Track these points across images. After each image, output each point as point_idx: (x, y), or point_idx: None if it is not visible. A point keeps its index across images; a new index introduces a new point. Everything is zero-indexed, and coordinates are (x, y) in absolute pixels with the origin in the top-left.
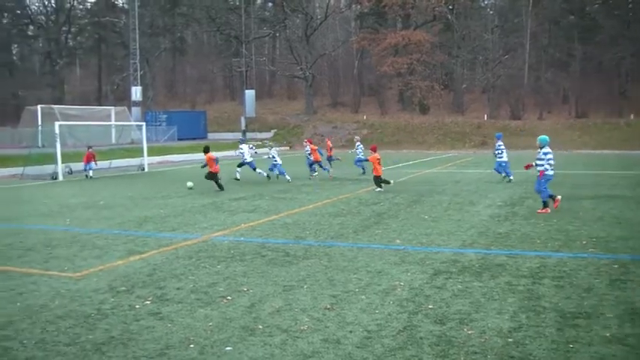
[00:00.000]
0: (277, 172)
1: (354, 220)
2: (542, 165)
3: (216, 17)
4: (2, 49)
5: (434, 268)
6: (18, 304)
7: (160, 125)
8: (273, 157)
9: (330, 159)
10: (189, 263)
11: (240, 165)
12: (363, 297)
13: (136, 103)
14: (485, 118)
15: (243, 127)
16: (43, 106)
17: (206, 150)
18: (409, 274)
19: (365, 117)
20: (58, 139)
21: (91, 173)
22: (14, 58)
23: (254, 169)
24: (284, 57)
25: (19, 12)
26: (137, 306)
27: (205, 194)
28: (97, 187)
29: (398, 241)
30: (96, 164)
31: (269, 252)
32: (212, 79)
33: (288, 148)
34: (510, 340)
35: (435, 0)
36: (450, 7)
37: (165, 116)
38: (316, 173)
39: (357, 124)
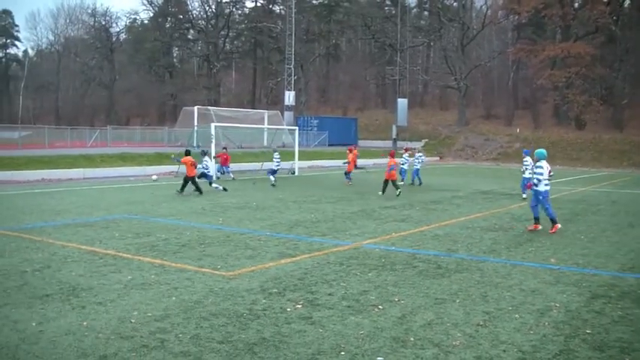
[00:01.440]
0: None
1: (506, 235)
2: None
3: (371, 25)
4: (164, 52)
5: (591, 291)
6: (173, 298)
7: (311, 130)
8: (278, 160)
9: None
10: (340, 269)
11: (200, 176)
12: (517, 316)
13: (288, 108)
14: None
15: (394, 135)
16: (199, 107)
17: (187, 153)
18: (565, 295)
19: (518, 130)
20: (214, 140)
21: (232, 175)
22: (174, 60)
23: (210, 184)
24: (438, 66)
25: (181, 17)
26: (288, 309)
27: (354, 201)
28: (248, 188)
29: (553, 260)
30: (227, 166)
31: (420, 263)
32: (364, 86)
33: (438, 158)
34: None
35: (599, 11)
36: (615, 17)
37: (316, 121)
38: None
39: (509, 137)
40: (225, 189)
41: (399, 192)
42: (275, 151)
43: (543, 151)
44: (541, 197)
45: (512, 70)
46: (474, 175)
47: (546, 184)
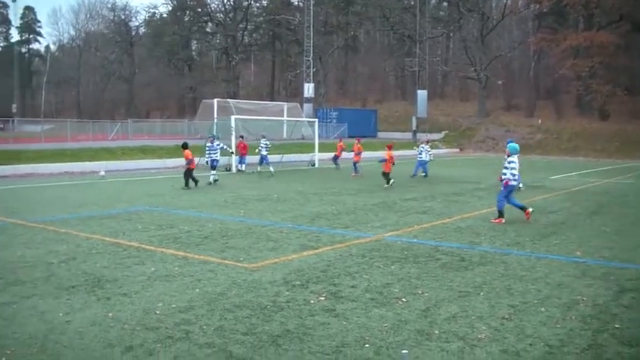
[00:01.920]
0: (265, 163)
1: (530, 228)
2: (506, 174)
3: (390, 16)
4: (183, 45)
5: (619, 285)
6: (197, 290)
7: (330, 122)
8: (265, 147)
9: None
10: (363, 262)
11: (212, 167)
12: (543, 309)
13: (307, 100)
14: None
15: (414, 127)
16: (219, 99)
17: (185, 146)
18: (592, 289)
19: (540, 121)
20: (234, 132)
21: (242, 167)
22: (193, 53)
23: (212, 168)
24: (457, 57)
25: (199, 10)
26: (312, 301)
27: (375, 193)
28: (269, 181)
29: (578, 253)
30: (244, 156)
31: (443, 255)
32: (383, 77)
33: (458, 150)
34: None
35: None
36: None
37: (336, 113)
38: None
39: (530, 129)
40: (216, 180)
41: (392, 183)
42: (263, 138)
43: (517, 145)
44: (503, 189)
45: (533, 60)
46: (496, 167)
47: (515, 179)
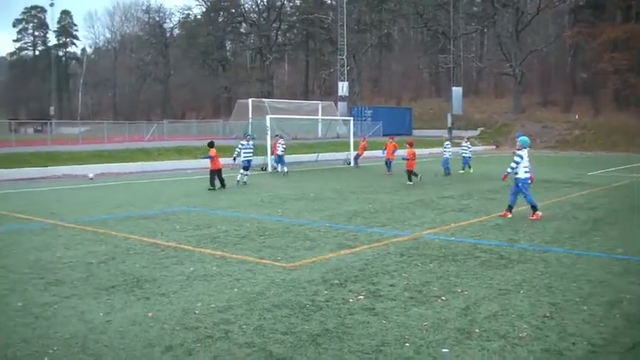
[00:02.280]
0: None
1: (569, 224)
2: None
3: (423, 13)
4: (218, 46)
5: None
6: (235, 289)
7: (365, 120)
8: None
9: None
10: (401, 260)
11: (245, 167)
12: (585, 307)
13: (342, 98)
14: None
15: (449, 124)
16: (254, 99)
17: (211, 145)
18: (635, 286)
19: (577, 117)
20: (269, 132)
21: (279, 168)
22: (228, 54)
23: (244, 168)
24: (492, 53)
25: (233, 11)
26: (350, 300)
27: (411, 191)
28: (305, 180)
29: (619, 250)
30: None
31: (482, 253)
32: (417, 75)
33: (494, 147)
34: None
35: None
36: None
37: (370, 112)
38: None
39: (567, 124)
40: (245, 182)
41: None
42: (281, 138)
43: (527, 139)
44: (520, 184)
45: (569, 54)
46: (533, 164)
47: (526, 172)
